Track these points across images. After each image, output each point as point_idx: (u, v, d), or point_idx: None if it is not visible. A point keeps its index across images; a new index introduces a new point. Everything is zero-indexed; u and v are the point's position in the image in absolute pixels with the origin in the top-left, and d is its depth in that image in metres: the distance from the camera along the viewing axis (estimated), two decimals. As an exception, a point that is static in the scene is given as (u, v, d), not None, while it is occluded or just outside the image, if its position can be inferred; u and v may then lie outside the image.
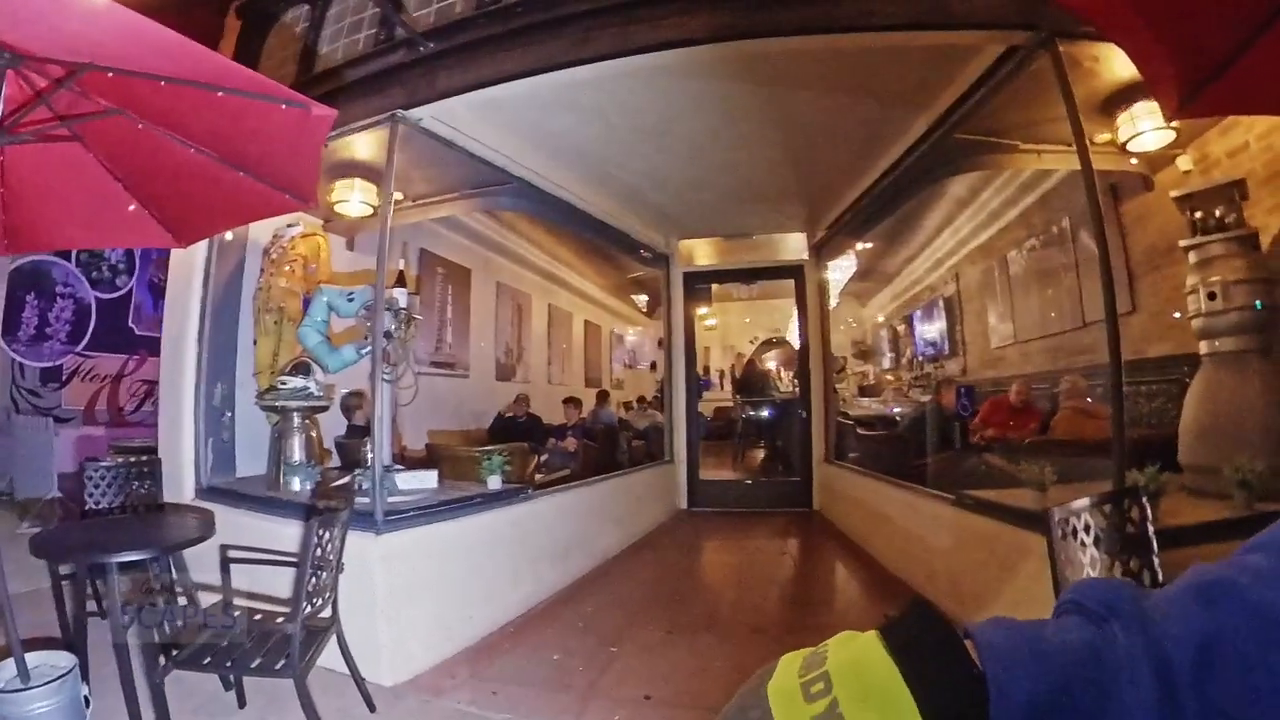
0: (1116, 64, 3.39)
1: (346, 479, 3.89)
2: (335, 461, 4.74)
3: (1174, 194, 3.63)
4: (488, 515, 3.99)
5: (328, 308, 4.21)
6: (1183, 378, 4.10)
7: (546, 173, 4.83)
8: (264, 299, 4.28)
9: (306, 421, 4.20)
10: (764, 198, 5.75)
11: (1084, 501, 2.25)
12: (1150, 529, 2.27)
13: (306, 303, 4.46)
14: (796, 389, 8.16)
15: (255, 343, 4.32)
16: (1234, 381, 3.41)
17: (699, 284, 7.00)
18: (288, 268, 4.33)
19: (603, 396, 8.12)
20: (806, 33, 3.39)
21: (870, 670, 0.36)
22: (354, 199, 4.58)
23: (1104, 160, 4.10)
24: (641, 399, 9.08)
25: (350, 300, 4.16)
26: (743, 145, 4.84)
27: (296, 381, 4.14)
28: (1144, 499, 2.33)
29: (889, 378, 8.84)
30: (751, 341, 10.35)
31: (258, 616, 2.78)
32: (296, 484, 3.97)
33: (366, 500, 3.53)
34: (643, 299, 9.40)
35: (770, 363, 9.81)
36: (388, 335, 3.97)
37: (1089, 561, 2.19)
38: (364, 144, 4.17)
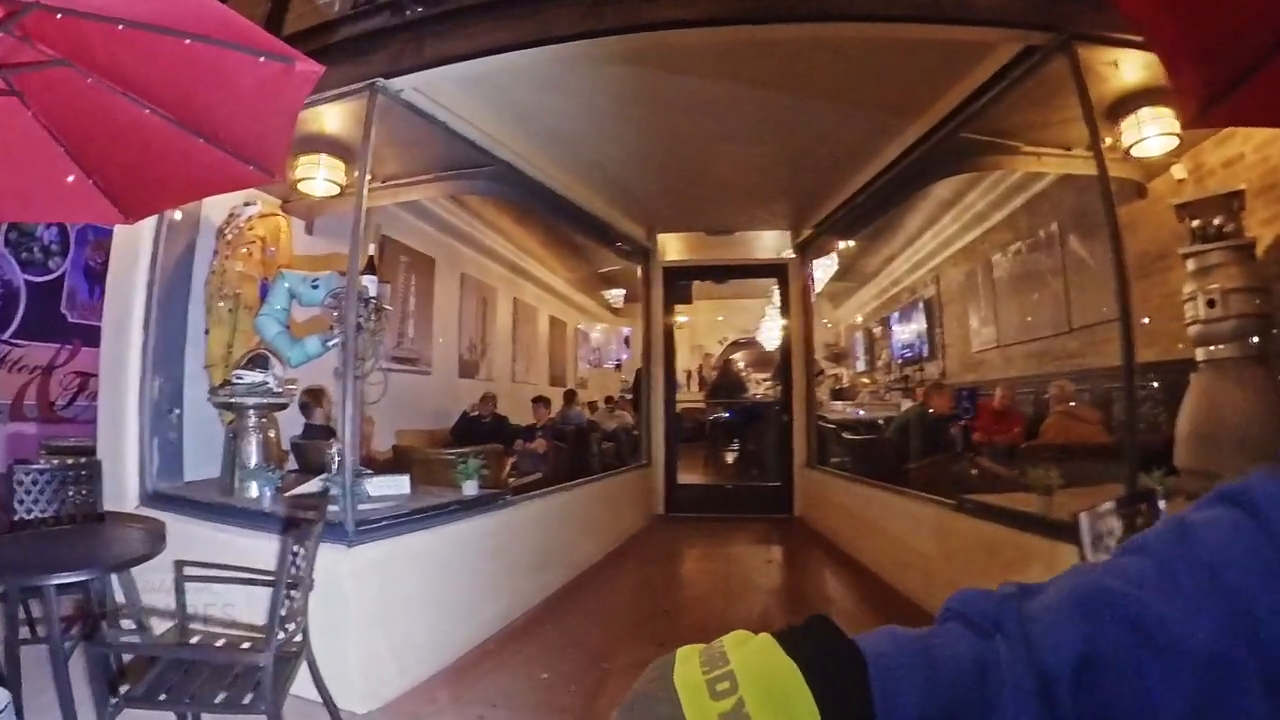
0: (1125, 70, 3.43)
1: (314, 485, 3.60)
2: (292, 464, 4.42)
3: (1174, 202, 3.71)
4: (464, 523, 3.78)
5: (289, 295, 3.90)
6: (1170, 384, 4.21)
7: (529, 157, 4.62)
8: (217, 284, 3.94)
9: (264, 420, 3.89)
10: (750, 194, 5.69)
11: (1109, 505, 2.23)
12: None
13: (264, 289, 4.15)
14: (772, 391, 8.16)
15: (207, 332, 3.97)
16: (1231, 387, 3.49)
17: (680, 280, 6.87)
18: (244, 250, 3.99)
19: (570, 396, 7.92)
20: (828, 19, 3.31)
21: (774, 673, 0.37)
22: (319, 177, 4.26)
23: (1093, 165, 4.16)
24: (610, 398, 8.91)
25: (315, 287, 3.87)
26: (732, 140, 4.76)
27: (254, 376, 3.82)
28: (1159, 503, 2.36)
29: (864, 380, 8.92)
30: (721, 342, 10.30)
31: (220, 643, 2.51)
32: (254, 490, 3.65)
33: (335, 509, 3.28)
34: (615, 294, 9.23)
35: (740, 364, 9.79)
36: (357, 327, 3.73)
37: None
38: (334, 116, 3.89)
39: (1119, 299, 3.15)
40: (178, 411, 3.89)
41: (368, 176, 3.45)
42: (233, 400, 3.74)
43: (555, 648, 3.68)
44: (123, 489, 3.53)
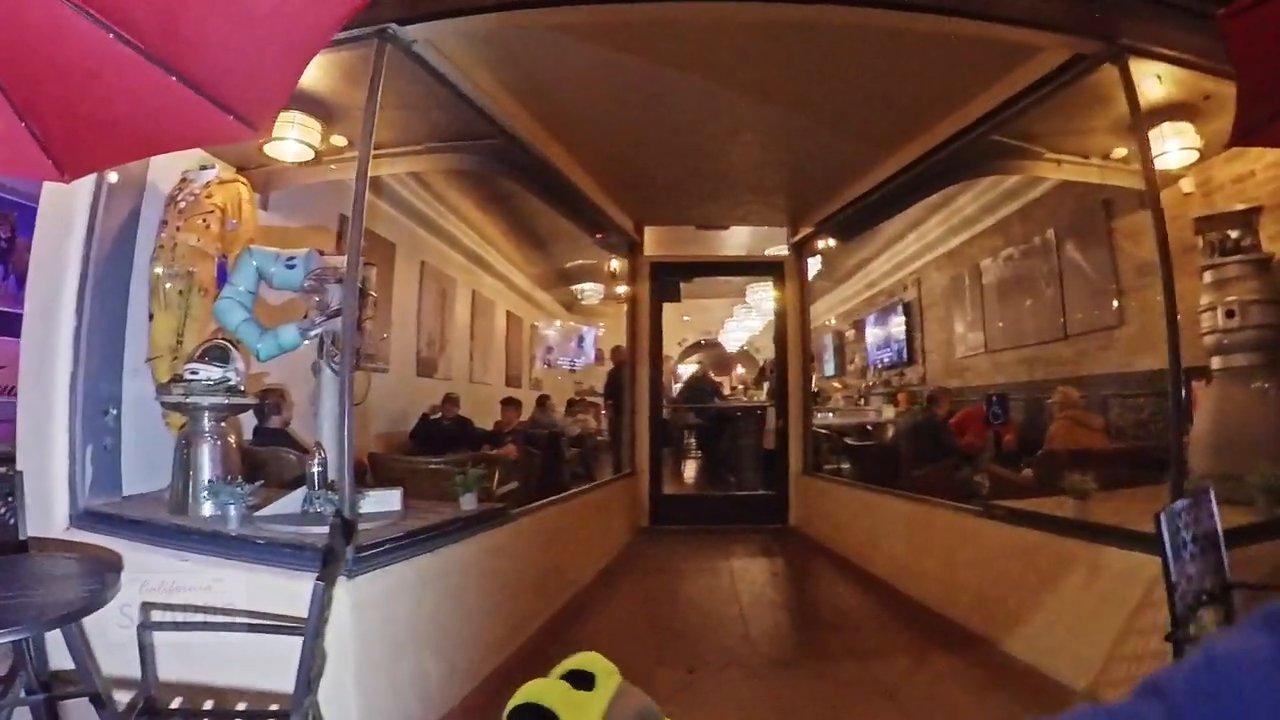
0: (1152, 84, 3.46)
1: (293, 503, 3.10)
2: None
3: (1195, 216, 3.81)
4: (467, 544, 3.40)
5: (256, 276, 3.39)
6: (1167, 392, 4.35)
7: (532, 133, 4.26)
8: (166, 261, 3.35)
9: (223, 424, 3.35)
10: (749, 187, 5.54)
11: (1183, 503, 2.28)
12: (1220, 530, 2.34)
13: (222, 268, 3.60)
14: (747, 395, 8.05)
15: (151, 318, 3.38)
16: (1248, 395, 3.63)
17: (668, 276, 6.62)
18: (200, 221, 3.43)
19: (544, 400, 7.53)
20: (881, 6, 3.15)
21: None
22: (290, 138, 3.73)
23: (1111, 175, 4.27)
24: (574, 401, 8.56)
25: (291, 267, 3.39)
26: (739, 131, 4.62)
27: (211, 371, 3.27)
28: (1213, 502, 2.37)
29: (835, 385, 8.94)
30: (680, 343, 10.12)
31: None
32: (215, 508, 3.12)
33: (318, 530, 2.84)
34: (589, 289, 8.85)
35: (693, 367, 9.65)
36: (339, 314, 3.29)
37: (1196, 573, 2.22)
38: (317, 66, 3.38)
39: (1166, 309, 3.13)
40: (115, 412, 3.29)
41: (372, 140, 3.01)
42: (187, 401, 3.18)
43: (568, 679, 3.34)
44: (49, 507, 2.92)
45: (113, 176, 3.22)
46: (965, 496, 4.25)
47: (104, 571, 2.23)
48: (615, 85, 4.04)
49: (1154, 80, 3.36)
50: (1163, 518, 2.16)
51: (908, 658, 3.47)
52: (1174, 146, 3.82)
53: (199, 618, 2.43)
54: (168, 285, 3.38)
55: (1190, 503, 2.31)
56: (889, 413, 7.28)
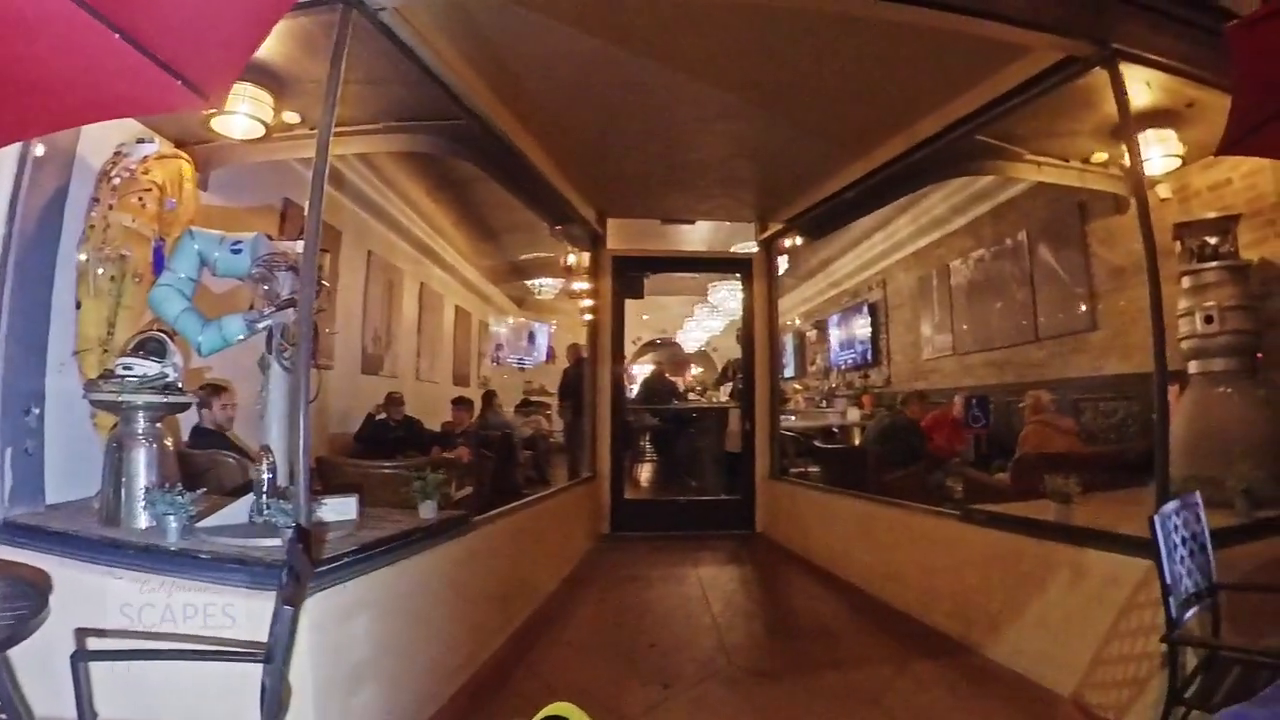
0: (1142, 90, 3.60)
1: (239, 512, 2.93)
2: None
3: (1175, 222, 3.98)
4: (428, 554, 3.28)
5: (199, 261, 3.19)
6: (1142, 396, 4.55)
7: (495, 114, 4.14)
8: (97, 243, 3.10)
9: (160, 425, 3.13)
10: (719, 180, 5.53)
11: (1173, 505, 2.41)
12: (1207, 531, 2.49)
13: (159, 253, 3.36)
14: (704, 397, 8.06)
15: (79, 306, 3.13)
16: (1225, 398, 3.82)
17: (631, 270, 6.55)
18: (136, 200, 3.19)
19: (490, 398, 7.36)
20: None
21: None
22: (240, 113, 3.51)
23: (1090, 179, 4.44)
24: (526, 401, 8.42)
25: (237, 252, 3.19)
26: (712, 118, 4.57)
27: (147, 366, 3.05)
28: (1200, 504, 2.52)
29: (797, 387, 9.04)
30: (634, 342, 10.08)
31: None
32: (147, 518, 2.91)
33: (271, 544, 2.69)
34: (542, 284, 8.71)
35: (649, 367, 9.64)
36: (290, 304, 3.14)
37: (1186, 571, 2.34)
38: (273, 34, 3.20)
39: (1152, 314, 3.20)
40: (37, 412, 3.02)
41: (334, 115, 2.85)
42: (119, 399, 2.96)
43: (538, 697, 3.25)
44: (-42, 518, 2.67)
45: (39, 149, 2.97)
46: (937, 500, 4.35)
47: (30, 593, 2.05)
48: (584, 69, 3.95)
49: (1142, 86, 3.48)
50: (1156, 520, 2.27)
51: (889, 666, 3.51)
52: (1158, 154, 3.97)
53: (141, 644, 2.25)
54: (98, 270, 3.12)
55: (1180, 505, 2.42)
56: (853, 415, 7.42)
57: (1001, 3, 3.21)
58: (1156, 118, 3.82)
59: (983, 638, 3.58)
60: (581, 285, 7.01)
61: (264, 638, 1.94)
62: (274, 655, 1.95)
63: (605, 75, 4.04)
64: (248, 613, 2.31)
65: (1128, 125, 3.29)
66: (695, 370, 10.86)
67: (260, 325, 3.13)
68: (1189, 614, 2.30)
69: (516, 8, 3.41)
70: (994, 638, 3.52)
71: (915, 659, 3.56)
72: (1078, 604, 3.11)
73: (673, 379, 8.65)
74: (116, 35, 1.93)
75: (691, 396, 8.48)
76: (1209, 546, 2.46)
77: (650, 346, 9.83)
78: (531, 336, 9.71)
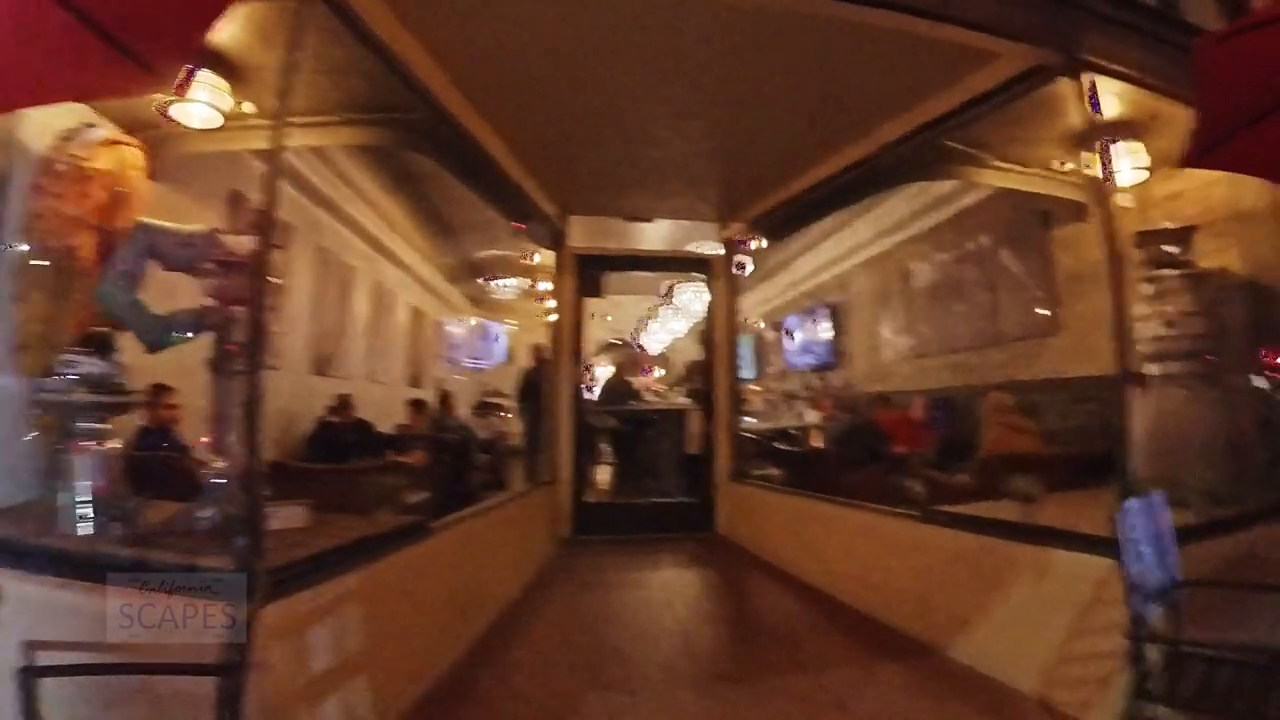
0: (1109, 101, 3.80)
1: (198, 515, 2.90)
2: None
3: (1136, 230, 4.21)
4: (386, 561, 3.27)
5: (148, 253, 3.14)
6: (1102, 398, 4.77)
7: (455, 106, 4.16)
8: (38, 234, 3.04)
9: (105, 427, 3.08)
10: (683, 178, 5.61)
11: (1136, 503, 2.53)
12: (1169, 529, 2.61)
13: (106, 245, 3.31)
14: (662, 398, 8.12)
15: (16, 300, 3.05)
16: (1184, 400, 4.05)
17: (593, 269, 6.60)
18: (80, 188, 3.13)
19: (446, 399, 7.33)
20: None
21: None
22: (199, 100, 3.46)
23: (1054, 186, 4.65)
24: (483, 403, 8.39)
25: (189, 245, 3.16)
26: (678, 114, 4.65)
27: (93, 364, 3.01)
28: (1162, 503, 2.65)
29: (754, 388, 9.17)
30: (599, 345, 10.13)
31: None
32: (93, 525, 2.86)
33: (222, 551, 2.66)
34: (500, 283, 8.68)
35: (609, 369, 9.69)
36: (241, 302, 3.12)
37: (1149, 569, 2.46)
38: (233, 22, 3.18)
39: (1115, 318, 3.36)
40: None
41: (286, 102, 2.85)
42: (65, 398, 2.90)
43: (504, 707, 3.30)
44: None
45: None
46: (897, 501, 4.48)
47: None
48: (547, 63, 3.99)
49: (1109, 97, 3.66)
50: (1120, 518, 2.41)
51: (854, 668, 3.60)
52: (1126, 166, 4.14)
53: (94, 658, 2.22)
54: (38, 262, 3.07)
55: (1143, 503, 2.54)
56: (811, 417, 7.59)
57: (970, 9, 3.36)
58: (1120, 129, 4.00)
59: (946, 639, 3.69)
60: (544, 285, 7.02)
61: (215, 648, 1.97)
62: (231, 666, 1.96)
63: (568, 70, 4.08)
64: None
65: (1094, 135, 3.45)
66: (657, 372, 10.95)
67: (209, 324, 3.11)
68: (1152, 611, 2.42)
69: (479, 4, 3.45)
70: (958, 638, 3.64)
71: (879, 661, 3.66)
72: (1041, 603, 3.24)
73: (630, 381, 8.72)
74: (68, 10, 1.92)
75: (651, 398, 8.54)
76: (1171, 544, 2.58)
77: (609, 348, 9.88)
78: (492, 337, 9.68)
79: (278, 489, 4.02)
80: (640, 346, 10.58)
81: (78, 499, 2.87)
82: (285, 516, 3.20)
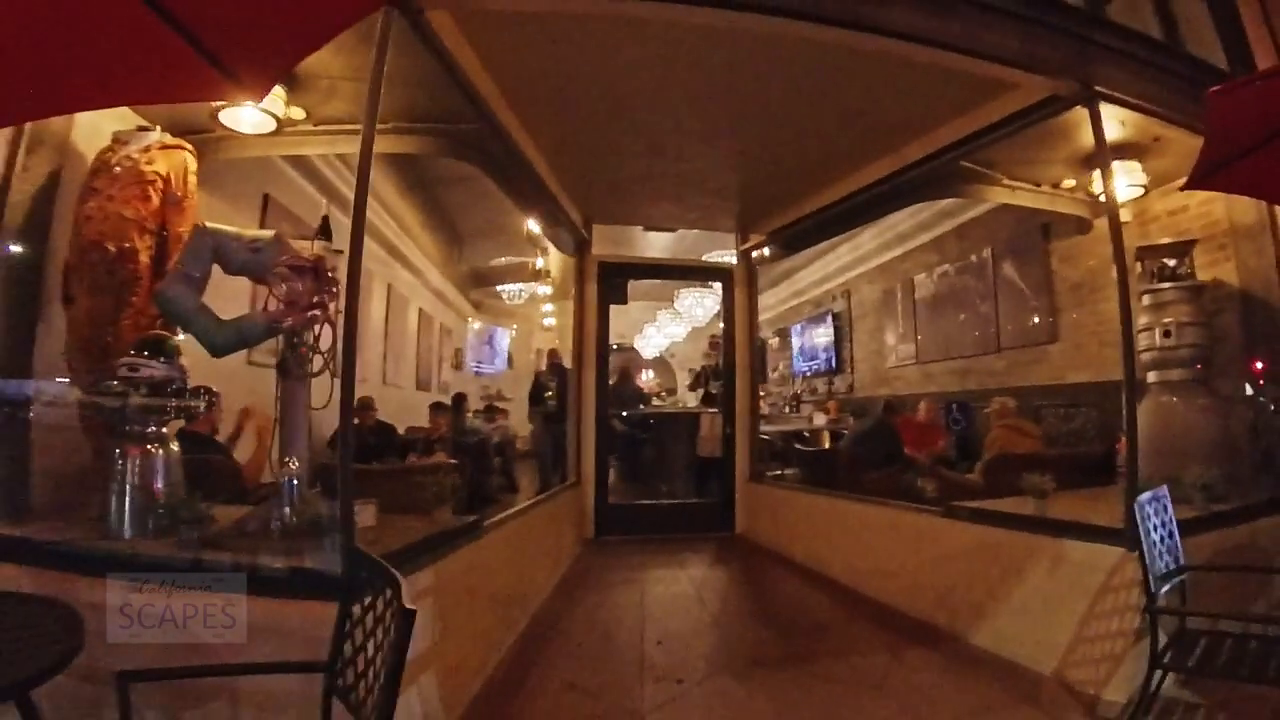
0: (1115, 126, 3.91)
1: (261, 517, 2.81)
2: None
3: (1138, 245, 4.33)
4: (450, 558, 3.23)
5: (212, 257, 3.03)
6: (1099, 403, 4.90)
7: (505, 120, 4.12)
8: (94, 236, 2.90)
9: (165, 430, 2.97)
10: (708, 190, 5.63)
11: (1149, 495, 2.68)
12: (1174, 520, 2.78)
13: (162, 248, 3.18)
14: (668, 400, 8.10)
15: (69, 302, 2.91)
16: (1182, 406, 4.17)
17: (616, 277, 6.55)
18: (138, 191, 3.00)
19: (460, 401, 7.21)
20: (888, 34, 3.34)
21: None
22: (252, 105, 3.34)
23: (1059, 202, 4.76)
24: (490, 406, 8.28)
25: (256, 250, 3.06)
26: (702, 136, 4.70)
27: (154, 367, 2.89)
28: (1168, 497, 2.82)
29: (760, 392, 9.21)
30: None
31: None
32: (151, 528, 2.75)
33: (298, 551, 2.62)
34: (513, 289, 8.56)
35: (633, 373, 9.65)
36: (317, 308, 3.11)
37: (1159, 555, 2.61)
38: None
39: (1123, 327, 3.44)
40: (23, 416, 2.80)
41: (376, 120, 2.79)
42: (126, 403, 2.77)
43: (561, 697, 3.26)
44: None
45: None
46: (911, 499, 4.54)
47: (54, 621, 1.84)
48: (592, 82, 4.02)
49: (1115, 123, 3.78)
50: (1136, 507, 2.55)
51: (885, 654, 3.67)
52: (1124, 183, 4.31)
53: (189, 661, 2.12)
54: (95, 264, 2.93)
55: (1153, 496, 2.70)
56: (819, 420, 7.66)
57: (999, 45, 3.46)
58: (1124, 150, 4.16)
59: (966, 626, 3.78)
60: (554, 290, 6.95)
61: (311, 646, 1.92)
62: (335, 663, 1.91)
63: (610, 91, 4.13)
64: (301, 623, 2.23)
65: (1105, 159, 3.58)
66: (649, 375, 10.93)
67: (284, 327, 3.02)
68: (1163, 591, 2.54)
69: (533, 24, 3.45)
70: (978, 625, 3.72)
71: (907, 647, 3.72)
72: (1056, 590, 3.34)
73: (638, 384, 8.69)
74: (165, 24, 1.85)
75: (655, 402, 8.53)
76: (1176, 533, 2.75)
77: (613, 352, 9.84)
78: (499, 341, 9.58)
79: (328, 490, 3.96)
80: (637, 350, 10.56)
81: (143, 502, 2.76)
82: (362, 516, 3.12)
